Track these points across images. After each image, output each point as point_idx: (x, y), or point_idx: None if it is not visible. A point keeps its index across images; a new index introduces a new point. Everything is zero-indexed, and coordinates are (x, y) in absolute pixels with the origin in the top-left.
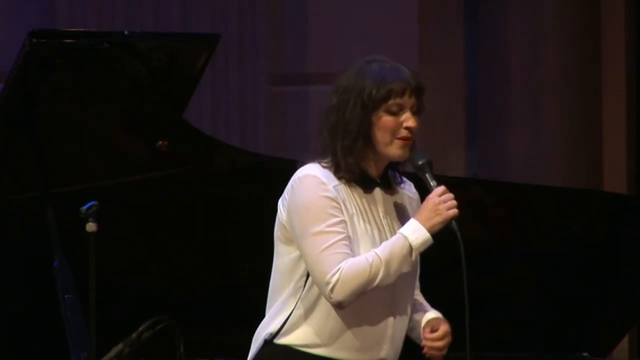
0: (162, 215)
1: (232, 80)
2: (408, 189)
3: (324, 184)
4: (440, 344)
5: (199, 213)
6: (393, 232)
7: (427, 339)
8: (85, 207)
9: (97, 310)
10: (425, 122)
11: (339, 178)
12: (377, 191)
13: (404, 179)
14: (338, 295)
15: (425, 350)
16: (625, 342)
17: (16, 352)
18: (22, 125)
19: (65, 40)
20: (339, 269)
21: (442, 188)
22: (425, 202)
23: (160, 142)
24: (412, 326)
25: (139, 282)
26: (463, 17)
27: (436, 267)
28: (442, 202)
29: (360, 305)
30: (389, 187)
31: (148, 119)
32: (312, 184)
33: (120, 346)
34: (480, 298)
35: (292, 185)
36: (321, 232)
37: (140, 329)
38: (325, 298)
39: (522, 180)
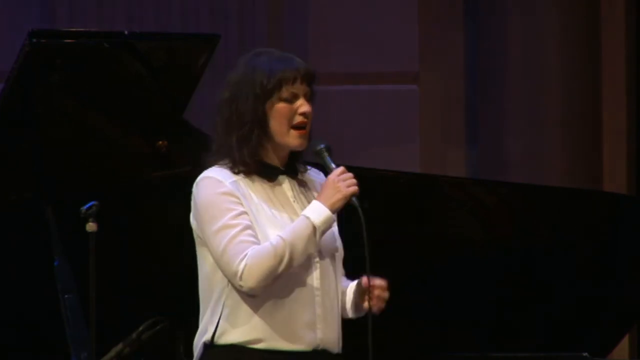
0: (162, 215)
1: None
2: (316, 176)
3: (219, 181)
4: (386, 293)
5: None
6: None
7: (376, 287)
8: (85, 207)
9: (97, 310)
10: (426, 122)
11: (237, 173)
12: (283, 178)
13: (312, 167)
14: (248, 282)
15: (372, 300)
16: (625, 342)
17: (16, 352)
18: (22, 125)
19: (65, 40)
20: (244, 256)
21: (341, 168)
22: (324, 183)
23: (160, 142)
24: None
25: (139, 282)
26: (463, 17)
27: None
28: (341, 180)
29: (285, 292)
30: (295, 174)
31: (148, 119)
32: (207, 184)
33: (120, 346)
34: (480, 298)
35: (193, 193)
36: (222, 227)
37: (140, 329)
38: (237, 288)
39: (522, 180)
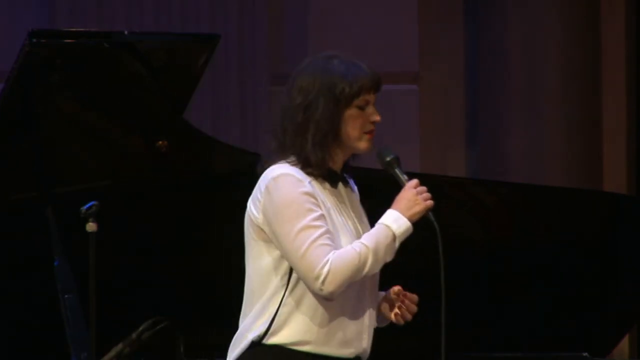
0: (162, 215)
1: (232, 80)
2: (352, 184)
3: (300, 180)
4: (414, 307)
5: (198, 213)
6: (361, 224)
7: (405, 296)
8: (85, 207)
9: (97, 310)
10: (426, 122)
11: (308, 174)
12: (340, 185)
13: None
14: (330, 287)
15: (397, 312)
16: (625, 342)
17: (16, 352)
18: (22, 125)
19: (65, 40)
20: (327, 261)
21: (416, 181)
22: (402, 194)
23: (160, 142)
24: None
25: (139, 282)
26: (463, 17)
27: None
28: (419, 193)
29: (344, 300)
30: (346, 180)
31: (148, 119)
32: (288, 182)
33: (120, 346)
34: (480, 298)
35: (267, 186)
36: (304, 228)
37: (140, 329)
38: (314, 291)
39: (522, 180)
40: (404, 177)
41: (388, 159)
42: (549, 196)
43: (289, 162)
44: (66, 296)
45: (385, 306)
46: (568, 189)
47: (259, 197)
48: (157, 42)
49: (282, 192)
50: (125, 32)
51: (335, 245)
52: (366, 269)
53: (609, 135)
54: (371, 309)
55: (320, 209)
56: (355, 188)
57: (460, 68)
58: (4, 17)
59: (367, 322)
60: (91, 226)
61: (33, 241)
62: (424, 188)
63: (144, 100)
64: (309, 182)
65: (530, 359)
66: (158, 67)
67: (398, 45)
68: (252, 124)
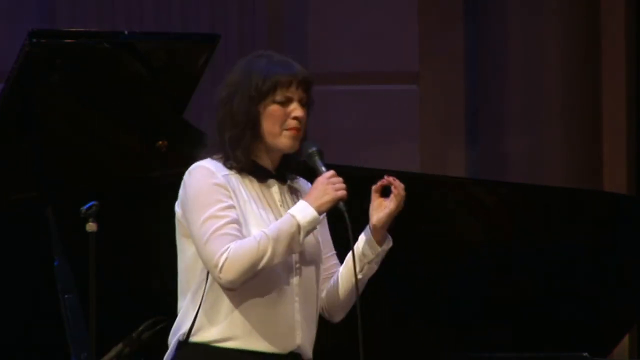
0: (161, 215)
1: None
2: (304, 185)
3: (212, 173)
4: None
5: None
6: None
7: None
8: (85, 207)
9: (97, 310)
10: (426, 122)
11: (230, 168)
12: (273, 182)
13: (301, 178)
14: (227, 275)
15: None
16: (625, 342)
17: (16, 352)
18: (22, 125)
19: (65, 40)
20: (227, 249)
21: (331, 172)
22: (314, 184)
23: (160, 142)
24: (340, 276)
25: (139, 282)
26: (463, 17)
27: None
28: (330, 184)
29: (265, 293)
30: (284, 179)
31: (148, 119)
32: (200, 174)
33: (120, 346)
34: (479, 298)
35: (184, 180)
36: (210, 217)
37: (140, 329)
38: (216, 280)
39: (522, 180)
40: (322, 169)
41: (310, 150)
42: (549, 196)
43: (214, 157)
44: (66, 296)
45: (377, 218)
46: (568, 189)
47: (181, 191)
48: (157, 42)
49: (194, 183)
50: (125, 32)
51: (242, 236)
52: (265, 259)
53: (609, 135)
54: (306, 306)
55: (232, 199)
56: (306, 188)
57: (460, 68)
58: (4, 17)
59: (299, 318)
60: (91, 226)
61: (33, 241)
62: (338, 179)
63: (144, 100)
64: (225, 175)
65: (530, 359)
66: (158, 67)
67: (398, 45)
68: None
